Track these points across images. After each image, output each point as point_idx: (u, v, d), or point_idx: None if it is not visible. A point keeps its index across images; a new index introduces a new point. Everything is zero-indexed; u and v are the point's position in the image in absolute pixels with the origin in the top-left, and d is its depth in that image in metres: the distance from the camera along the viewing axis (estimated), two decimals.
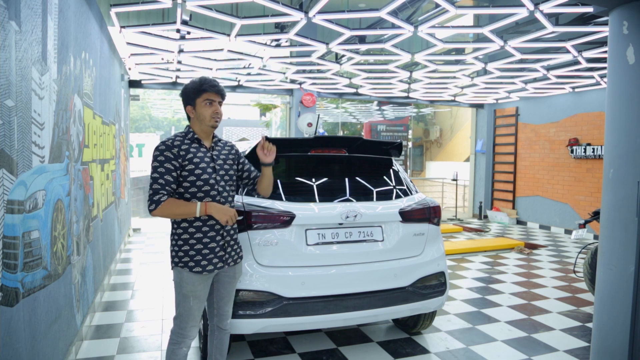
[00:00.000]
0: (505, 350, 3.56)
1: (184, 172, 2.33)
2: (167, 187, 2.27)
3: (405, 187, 3.56)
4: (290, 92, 9.71)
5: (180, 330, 2.41)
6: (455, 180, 11.97)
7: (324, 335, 3.79)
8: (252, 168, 2.69)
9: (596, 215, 4.67)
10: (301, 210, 3.07)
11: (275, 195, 3.17)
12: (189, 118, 2.45)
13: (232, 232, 2.50)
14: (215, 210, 2.31)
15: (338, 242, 3.12)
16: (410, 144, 21.36)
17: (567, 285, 5.44)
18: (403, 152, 15.28)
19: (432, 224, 3.44)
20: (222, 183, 2.44)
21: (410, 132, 21.87)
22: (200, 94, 2.37)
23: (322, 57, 6.71)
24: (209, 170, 2.39)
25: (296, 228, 3.04)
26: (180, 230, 2.38)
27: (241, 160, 2.63)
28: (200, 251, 2.37)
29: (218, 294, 2.55)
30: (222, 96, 2.43)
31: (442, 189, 14.20)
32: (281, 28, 6.43)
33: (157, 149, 2.32)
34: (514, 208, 10.48)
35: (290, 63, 7.35)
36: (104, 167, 5.05)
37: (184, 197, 2.35)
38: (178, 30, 5.48)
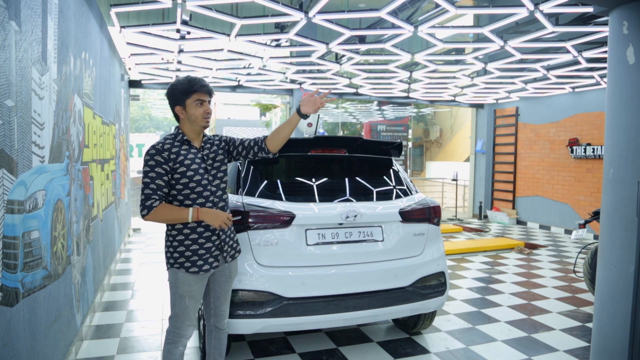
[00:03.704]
0: (505, 350, 3.56)
1: (175, 175, 2.31)
2: (158, 192, 2.27)
3: (405, 187, 3.56)
4: (290, 92, 9.71)
5: (177, 330, 2.41)
6: (455, 180, 11.97)
7: (324, 335, 3.79)
8: (248, 138, 2.58)
9: (596, 215, 4.66)
10: (301, 210, 3.07)
11: (275, 195, 3.17)
12: (177, 118, 2.42)
13: (227, 230, 2.49)
14: (208, 217, 2.30)
15: (338, 242, 3.12)
16: (410, 144, 21.37)
17: (567, 285, 5.44)
18: (403, 152, 15.28)
19: (432, 224, 3.44)
20: (215, 183, 2.43)
21: (410, 132, 21.88)
22: (190, 94, 2.34)
23: (322, 57, 6.71)
24: (201, 171, 2.37)
25: (296, 228, 3.04)
26: (174, 231, 2.37)
27: (230, 142, 2.55)
28: (196, 252, 2.36)
29: (214, 293, 2.55)
30: (211, 95, 2.41)
31: (442, 189, 14.20)
32: (281, 28, 6.43)
33: (147, 153, 2.31)
34: (514, 208, 10.48)
35: (290, 63, 7.35)
36: (104, 167, 5.05)
37: (177, 200, 2.34)
38: (178, 30, 5.48)
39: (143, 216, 2.27)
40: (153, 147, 2.32)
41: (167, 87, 2.46)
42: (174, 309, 2.42)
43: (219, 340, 2.63)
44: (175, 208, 2.30)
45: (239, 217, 2.93)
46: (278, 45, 6.58)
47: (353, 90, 9.85)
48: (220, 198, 2.44)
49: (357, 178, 3.47)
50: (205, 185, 2.38)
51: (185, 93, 2.34)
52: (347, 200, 3.24)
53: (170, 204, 2.32)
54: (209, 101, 2.40)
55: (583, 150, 8.72)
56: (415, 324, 3.79)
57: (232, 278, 2.59)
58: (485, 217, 11.14)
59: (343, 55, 6.87)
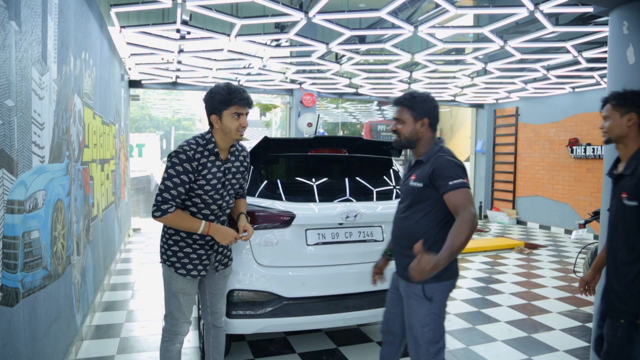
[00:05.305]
0: (505, 350, 3.56)
1: (194, 186, 2.29)
2: (177, 199, 2.23)
3: None
4: (290, 92, 9.71)
5: (172, 328, 2.42)
6: None
7: (324, 335, 3.79)
8: (245, 185, 2.62)
9: (596, 215, 4.66)
10: (301, 210, 3.07)
11: (275, 195, 3.17)
12: (211, 125, 2.33)
13: None
14: (217, 234, 2.30)
15: (338, 242, 3.12)
16: None
17: (567, 285, 5.44)
18: (403, 152, 15.24)
19: None
20: (227, 198, 2.42)
21: None
22: (228, 106, 2.23)
23: (322, 57, 6.71)
24: (218, 186, 2.34)
25: (296, 228, 3.04)
26: (172, 230, 2.37)
27: (245, 175, 2.54)
28: (188, 255, 2.36)
29: (210, 291, 2.55)
30: (250, 107, 2.32)
31: None
32: (281, 28, 6.42)
33: (177, 156, 2.22)
34: (514, 208, 10.47)
35: (290, 63, 7.34)
36: (104, 167, 5.05)
37: (184, 205, 2.33)
38: (178, 30, 5.48)
39: (155, 217, 2.23)
40: (184, 151, 2.23)
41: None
42: (168, 306, 2.42)
43: (217, 338, 2.63)
44: (188, 217, 2.28)
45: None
46: (278, 45, 6.58)
47: (353, 90, 9.85)
48: (224, 213, 2.44)
49: (357, 178, 3.47)
50: (217, 199, 2.36)
51: (224, 103, 2.24)
52: (347, 200, 3.24)
53: (184, 212, 2.29)
54: (247, 113, 2.31)
55: (583, 150, 8.72)
56: None
57: (227, 276, 2.59)
58: (485, 217, 11.14)
59: (343, 55, 6.87)
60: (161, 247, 2.42)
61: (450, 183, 2.06)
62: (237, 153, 2.46)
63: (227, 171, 2.38)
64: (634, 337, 2.09)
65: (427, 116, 2.23)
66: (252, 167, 3.27)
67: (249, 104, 2.29)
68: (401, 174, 3.67)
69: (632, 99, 2.12)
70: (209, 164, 2.30)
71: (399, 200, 2.37)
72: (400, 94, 2.36)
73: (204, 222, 2.28)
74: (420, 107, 2.23)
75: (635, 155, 2.13)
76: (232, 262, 2.62)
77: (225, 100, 2.24)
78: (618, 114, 2.14)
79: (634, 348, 2.12)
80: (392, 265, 2.45)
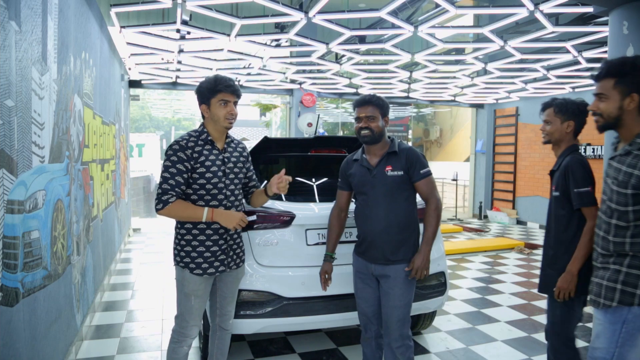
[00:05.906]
0: (505, 350, 3.56)
1: (194, 175, 2.30)
2: (176, 189, 2.25)
3: None
4: (290, 92, 9.71)
5: (182, 330, 2.41)
6: (455, 180, 11.97)
7: (324, 335, 3.79)
8: (254, 177, 2.66)
9: None
10: (301, 210, 3.07)
11: (275, 195, 3.17)
12: (203, 117, 2.41)
13: (235, 236, 2.48)
14: (222, 218, 2.30)
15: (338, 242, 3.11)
16: (410, 144, 21.38)
17: None
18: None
19: None
20: (232, 187, 2.42)
21: (410, 132, 21.89)
22: (215, 93, 2.31)
23: (322, 57, 6.71)
24: (219, 174, 2.36)
25: (296, 228, 3.04)
26: (183, 230, 2.37)
27: (247, 166, 2.58)
28: (202, 254, 2.36)
29: (221, 293, 2.54)
30: (238, 96, 2.38)
31: (442, 189, 14.19)
32: (281, 28, 6.42)
33: (171, 147, 2.29)
34: (514, 208, 10.47)
35: (290, 63, 7.35)
36: (104, 167, 5.05)
37: (190, 199, 2.34)
38: (178, 30, 5.48)
39: (157, 210, 2.25)
40: (177, 142, 2.30)
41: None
42: (179, 308, 2.42)
43: (223, 340, 2.63)
44: (190, 206, 2.29)
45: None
46: (278, 45, 6.58)
47: (353, 90, 9.85)
48: (232, 203, 2.43)
49: None
50: (221, 188, 2.37)
51: (211, 92, 2.32)
52: None
53: (185, 201, 2.31)
54: (235, 102, 2.38)
55: (583, 151, 8.72)
56: (415, 324, 3.78)
57: (239, 279, 2.59)
58: (485, 217, 11.14)
59: (343, 55, 6.87)
60: (174, 249, 2.42)
61: (421, 172, 2.45)
62: (233, 145, 2.51)
63: (226, 160, 2.41)
64: (572, 314, 2.36)
65: (388, 114, 2.55)
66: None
67: (234, 91, 2.35)
68: None
69: (572, 109, 2.40)
70: (205, 152, 2.34)
71: (362, 195, 2.55)
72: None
73: (206, 208, 2.29)
74: (385, 106, 2.52)
75: (562, 154, 2.49)
76: (243, 264, 2.61)
77: (212, 87, 2.32)
78: (559, 120, 2.41)
79: (573, 326, 2.36)
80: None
